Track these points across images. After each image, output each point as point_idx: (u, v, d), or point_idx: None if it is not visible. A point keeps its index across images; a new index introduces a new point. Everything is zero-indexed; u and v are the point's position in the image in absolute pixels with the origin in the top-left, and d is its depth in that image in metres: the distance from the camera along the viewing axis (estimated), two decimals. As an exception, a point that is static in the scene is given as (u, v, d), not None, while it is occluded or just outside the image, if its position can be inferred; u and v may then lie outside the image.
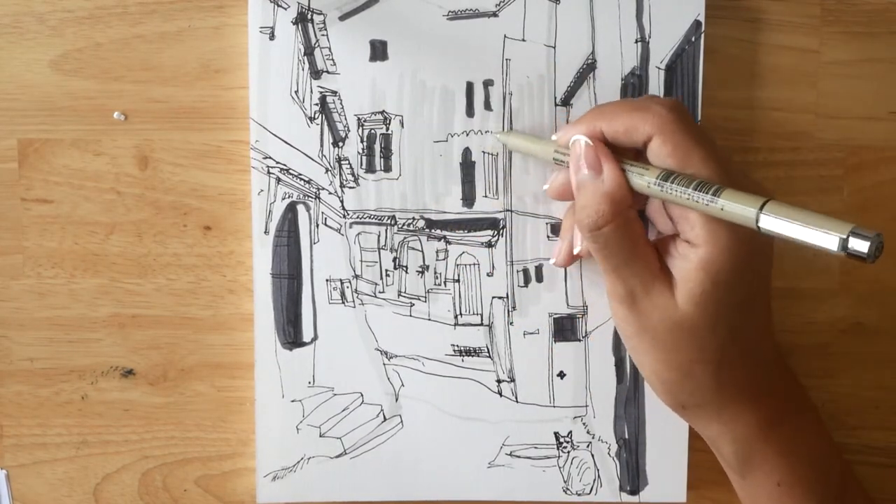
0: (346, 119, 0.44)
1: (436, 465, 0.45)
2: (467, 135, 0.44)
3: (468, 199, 0.44)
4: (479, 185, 0.44)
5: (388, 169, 0.44)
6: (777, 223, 0.32)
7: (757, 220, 0.33)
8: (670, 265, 0.38)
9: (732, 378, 0.38)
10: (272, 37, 0.43)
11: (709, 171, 0.36)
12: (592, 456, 0.45)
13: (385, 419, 0.45)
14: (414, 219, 0.44)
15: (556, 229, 0.44)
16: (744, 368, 0.39)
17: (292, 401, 0.45)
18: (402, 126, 0.44)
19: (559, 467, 0.45)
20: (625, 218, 0.37)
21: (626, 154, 0.38)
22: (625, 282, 0.38)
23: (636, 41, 0.43)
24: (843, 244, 0.30)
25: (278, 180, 0.44)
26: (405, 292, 0.45)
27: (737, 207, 0.34)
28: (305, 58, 0.43)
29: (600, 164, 0.38)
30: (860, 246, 0.30)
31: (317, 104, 0.43)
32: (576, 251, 0.42)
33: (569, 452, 0.45)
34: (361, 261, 0.44)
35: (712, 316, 0.37)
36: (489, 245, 0.44)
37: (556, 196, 0.42)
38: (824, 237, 0.31)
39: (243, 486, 0.47)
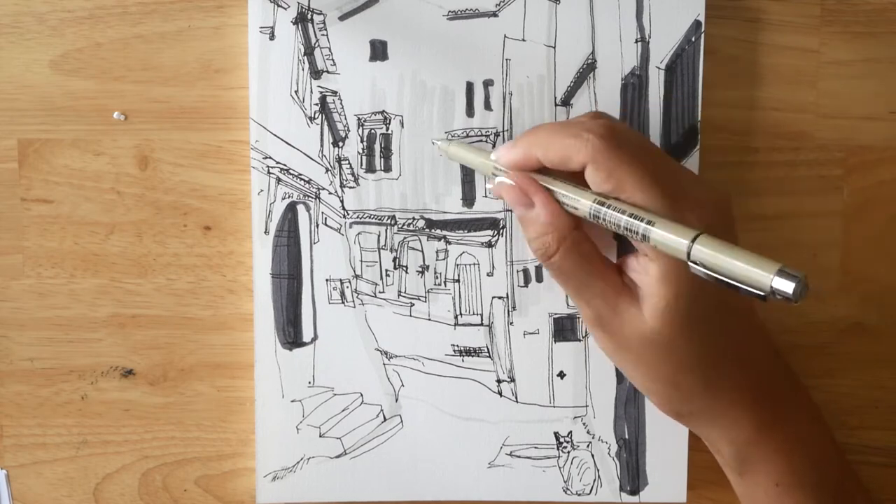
0: (346, 119, 0.44)
1: (436, 465, 0.45)
2: (467, 135, 0.44)
3: (468, 199, 0.44)
4: (479, 185, 0.44)
5: (388, 169, 0.44)
6: (707, 258, 0.32)
7: (688, 256, 0.33)
8: (635, 280, 0.37)
9: (725, 383, 0.38)
10: (272, 37, 0.43)
11: (644, 196, 0.35)
12: (592, 456, 0.45)
13: (385, 419, 0.45)
14: (414, 219, 0.44)
15: (556, 229, 0.44)
16: (736, 372, 0.38)
17: (292, 401, 0.45)
18: (402, 126, 0.44)
19: (559, 467, 0.45)
20: (572, 241, 0.37)
21: (566, 176, 0.38)
22: (589, 304, 0.38)
23: (636, 41, 0.43)
24: (772, 287, 0.30)
25: (278, 180, 0.44)
26: (405, 292, 0.45)
27: (666, 242, 0.34)
28: (305, 58, 0.43)
29: (531, 199, 0.38)
30: (784, 286, 0.30)
31: (317, 104, 0.43)
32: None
33: (569, 452, 0.45)
34: (361, 261, 0.44)
35: (683, 327, 0.36)
36: (489, 245, 0.44)
37: (498, 196, 0.41)
38: (752, 274, 0.31)
39: (243, 486, 0.47)
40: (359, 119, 0.44)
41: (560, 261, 0.37)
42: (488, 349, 0.45)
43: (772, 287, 0.30)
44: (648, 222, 0.34)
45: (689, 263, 0.33)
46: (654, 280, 0.36)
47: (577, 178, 0.37)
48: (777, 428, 0.39)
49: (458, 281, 0.45)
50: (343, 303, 0.45)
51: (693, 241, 0.33)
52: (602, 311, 0.38)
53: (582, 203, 0.37)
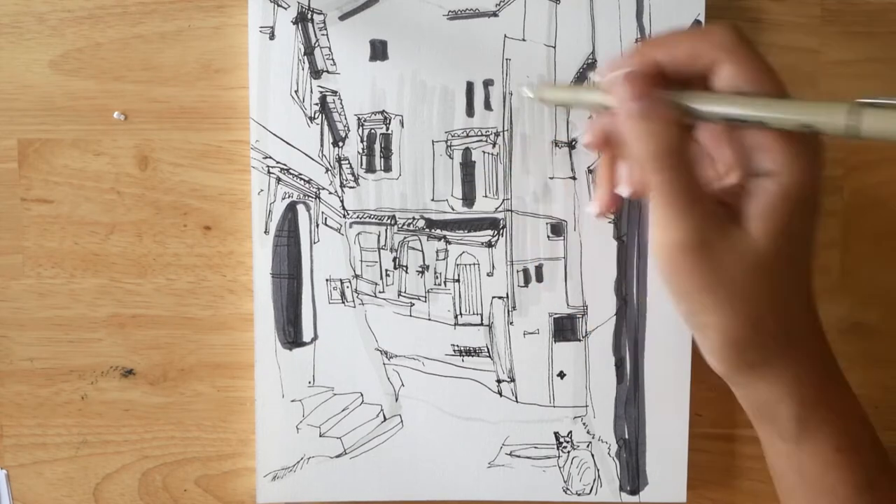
0: (346, 119, 0.44)
1: (436, 465, 0.45)
2: (467, 135, 0.44)
3: (468, 199, 0.44)
4: (479, 185, 0.44)
5: (388, 169, 0.44)
6: (874, 115, 0.30)
7: (850, 121, 0.30)
8: (739, 206, 0.35)
9: (798, 330, 0.36)
10: (272, 37, 0.43)
11: (782, 92, 0.34)
12: (592, 456, 0.45)
13: (385, 419, 0.45)
14: (414, 219, 0.44)
15: (556, 229, 0.44)
16: (806, 320, 0.37)
17: (292, 401, 0.45)
18: (402, 126, 0.44)
19: (559, 467, 0.45)
20: (688, 156, 0.35)
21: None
22: (696, 225, 0.34)
23: (636, 41, 0.43)
24: None
25: (278, 180, 0.44)
26: (405, 292, 0.45)
27: (825, 110, 0.31)
28: (305, 58, 0.43)
29: (651, 100, 0.34)
30: None
31: (317, 104, 0.43)
32: (625, 193, 0.39)
33: (569, 452, 0.45)
34: (361, 261, 0.44)
35: (792, 251, 0.34)
36: (489, 245, 0.44)
37: (597, 144, 0.38)
38: None
39: (243, 486, 0.47)
40: (359, 119, 0.44)
41: (678, 165, 0.34)
42: (488, 349, 0.45)
43: None
44: (806, 124, 0.32)
45: (853, 134, 0.31)
46: (776, 196, 0.34)
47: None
48: (837, 389, 0.37)
49: (458, 281, 0.45)
50: (343, 303, 0.45)
51: (849, 110, 0.31)
52: (708, 232, 0.34)
53: (716, 97, 0.34)
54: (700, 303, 0.35)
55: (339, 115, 0.44)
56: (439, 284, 0.45)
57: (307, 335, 0.45)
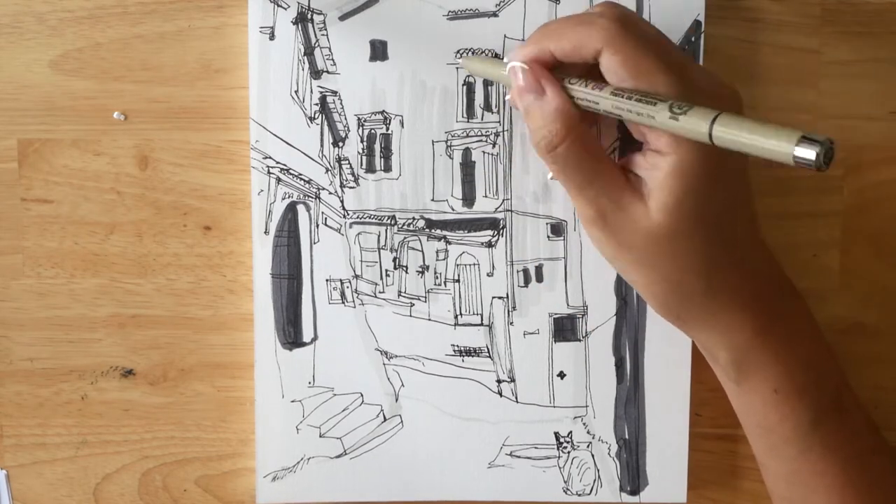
0: (346, 119, 0.44)
1: (436, 465, 0.45)
2: (467, 135, 0.44)
3: (468, 199, 0.44)
4: (479, 185, 0.44)
5: (388, 169, 0.44)
6: (729, 136, 0.31)
7: (710, 135, 0.32)
8: (642, 176, 0.37)
9: (724, 284, 0.38)
10: (272, 37, 0.43)
11: (663, 82, 0.35)
12: (592, 456, 0.45)
13: (385, 419, 0.45)
14: (414, 219, 0.44)
15: (556, 229, 0.44)
16: (735, 274, 0.38)
17: (292, 401, 0.45)
18: (402, 126, 0.44)
19: (559, 467, 0.45)
20: (579, 134, 0.37)
21: (576, 71, 0.38)
22: (593, 201, 0.37)
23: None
24: (794, 156, 0.29)
25: (278, 180, 0.44)
26: (405, 292, 0.45)
27: (688, 123, 0.33)
28: (305, 58, 0.43)
29: (541, 86, 0.37)
30: (807, 154, 0.29)
31: (317, 104, 0.43)
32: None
33: (569, 452, 0.45)
34: (361, 261, 0.44)
35: (691, 223, 0.36)
36: (489, 245, 0.44)
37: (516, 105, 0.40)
38: (775, 146, 0.30)
39: (243, 486, 0.47)
40: (359, 119, 0.44)
41: (566, 151, 0.37)
42: (488, 349, 0.45)
43: (794, 156, 0.29)
44: (671, 110, 0.34)
45: (713, 142, 0.32)
46: (665, 174, 0.36)
47: (590, 75, 0.37)
48: (775, 332, 0.39)
49: (458, 281, 0.45)
50: (343, 303, 0.45)
51: (713, 121, 0.32)
52: (606, 207, 0.37)
53: (601, 94, 0.36)
54: (618, 265, 0.39)
55: (339, 115, 0.44)
56: (439, 284, 0.45)
57: (307, 335, 0.45)
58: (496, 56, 0.43)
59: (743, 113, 0.37)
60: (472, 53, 0.43)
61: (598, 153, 0.37)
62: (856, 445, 0.40)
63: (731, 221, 0.38)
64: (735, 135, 0.32)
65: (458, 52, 0.43)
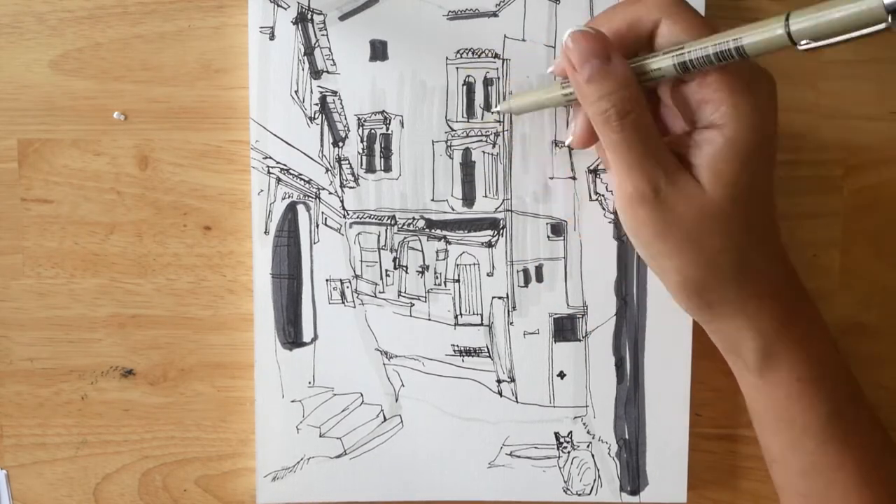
0: (346, 119, 0.44)
1: (436, 465, 0.45)
2: (467, 135, 0.44)
3: (468, 199, 0.44)
4: (479, 185, 0.44)
5: (388, 169, 0.44)
6: (809, 23, 0.30)
7: (788, 33, 0.31)
8: (689, 157, 0.37)
9: (754, 268, 0.38)
10: (272, 37, 0.43)
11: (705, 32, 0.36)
12: (593, 456, 0.45)
13: (385, 419, 0.45)
14: (414, 219, 0.44)
15: (556, 229, 0.44)
16: (764, 259, 0.39)
17: (292, 401, 0.45)
18: (402, 126, 0.44)
19: (559, 467, 0.45)
20: (643, 104, 0.37)
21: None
22: (649, 175, 0.37)
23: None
24: (885, 5, 0.28)
25: (278, 180, 0.44)
26: (405, 292, 0.45)
27: (762, 35, 0.32)
28: (305, 58, 0.43)
29: (607, 51, 0.37)
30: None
31: (317, 104, 0.43)
32: (549, 177, 0.43)
33: (569, 452, 0.45)
34: (361, 261, 0.44)
35: (740, 198, 0.37)
36: (489, 245, 0.44)
37: (581, 143, 0.40)
38: (863, 6, 0.28)
39: (243, 486, 0.47)
40: (359, 119, 0.44)
41: (637, 120, 0.37)
42: (488, 349, 0.45)
43: (885, 5, 0.28)
44: (735, 38, 0.34)
45: (798, 45, 0.31)
46: (722, 146, 0.36)
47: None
48: (798, 322, 0.39)
49: (458, 281, 0.45)
50: (343, 303, 0.45)
51: (787, 20, 0.31)
52: (659, 181, 0.37)
53: (662, 58, 0.36)
54: (657, 248, 0.38)
55: (339, 115, 0.44)
56: (439, 284, 0.45)
57: (307, 335, 0.45)
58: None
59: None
60: (504, 99, 0.43)
61: (654, 129, 0.37)
62: (870, 439, 0.40)
63: (767, 203, 0.38)
64: (815, 20, 0.30)
65: (458, 51, 0.43)
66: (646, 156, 0.37)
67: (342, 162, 0.44)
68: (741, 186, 0.37)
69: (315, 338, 0.45)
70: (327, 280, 0.44)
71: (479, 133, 0.44)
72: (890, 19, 0.28)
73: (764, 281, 0.39)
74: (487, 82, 0.43)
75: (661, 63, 0.36)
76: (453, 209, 0.44)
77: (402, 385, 0.45)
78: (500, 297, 0.45)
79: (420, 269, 0.45)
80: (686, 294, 0.39)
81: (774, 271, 0.39)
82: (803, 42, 0.31)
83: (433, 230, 0.44)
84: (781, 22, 0.32)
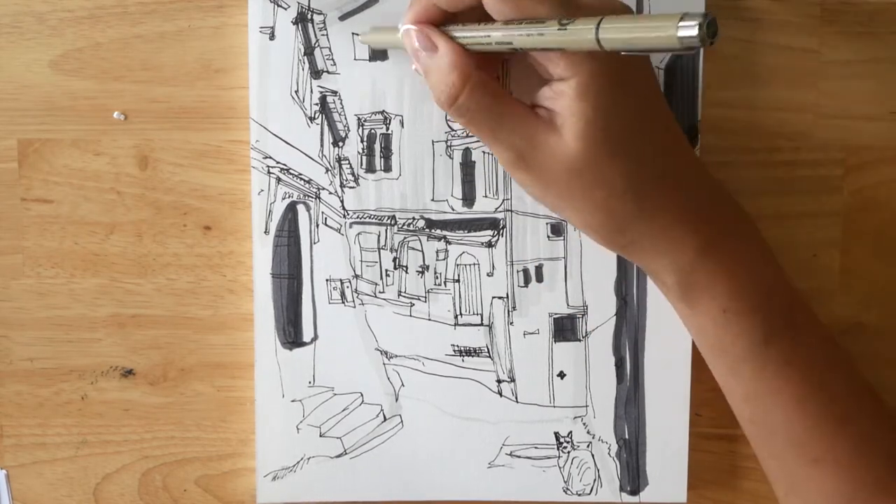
0: (346, 119, 0.44)
1: (436, 465, 0.45)
2: (467, 135, 0.44)
3: (468, 199, 0.44)
4: (479, 185, 0.44)
5: (388, 169, 0.44)
6: (615, 35, 0.31)
7: (598, 40, 0.32)
8: (551, 108, 0.37)
9: (656, 205, 0.38)
10: (272, 37, 0.43)
11: (546, 8, 0.35)
12: (592, 456, 0.45)
13: (385, 419, 0.45)
14: (414, 219, 0.44)
15: (556, 229, 0.44)
16: (665, 192, 0.38)
17: (292, 401, 0.45)
18: (402, 126, 0.44)
19: (559, 467, 0.45)
20: (477, 81, 0.37)
21: (472, 19, 0.38)
22: (507, 143, 0.37)
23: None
24: (678, 37, 0.29)
25: (278, 180, 0.44)
26: (405, 292, 0.45)
27: (574, 34, 0.33)
28: (305, 58, 0.43)
29: (433, 42, 0.37)
30: (689, 31, 0.29)
31: (317, 104, 0.43)
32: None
33: (569, 452, 0.45)
34: (361, 261, 0.44)
35: (605, 144, 0.36)
36: (489, 245, 0.44)
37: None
38: (659, 32, 0.30)
39: (243, 486, 0.47)
40: (359, 119, 0.44)
41: (467, 100, 0.37)
42: (488, 349, 0.45)
43: (678, 37, 0.29)
44: (559, 22, 0.33)
45: (603, 48, 0.32)
46: (571, 99, 0.36)
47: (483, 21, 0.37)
48: (720, 250, 0.39)
49: (458, 281, 0.45)
50: (343, 303, 0.45)
51: (598, 25, 0.32)
52: (521, 146, 0.37)
53: (491, 33, 0.36)
54: (550, 203, 0.39)
55: (339, 115, 0.44)
56: (439, 284, 0.45)
57: (307, 335, 0.45)
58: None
59: None
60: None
61: (502, 96, 0.37)
62: (812, 360, 0.40)
63: (649, 138, 0.38)
64: (620, 32, 0.31)
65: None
66: (496, 126, 0.37)
67: (342, 162, 0.44)
68: (603, 133, 0.36)
69: (315, 338, 0.45)
70: (327, 280, 0.44)
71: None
72: (680, 43, 0.30)
73: (671, 214, 0.38)
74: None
75: (482, 40, 0.36)
76: (453, 209, 0.44)
77: (402, 385, 0.45)
78: (500, 297, 0.45)
79: (420, 269, 0.45)
80: (597, 240, 0.39)
81: (685, 202, 0.38)
82: (606, 45, 0.32)
83: (433, 230, 0.44)
84: (594, 25, 0.32)
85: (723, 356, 0.40)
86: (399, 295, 0.45)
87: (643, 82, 0.38)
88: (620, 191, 0.37)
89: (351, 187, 0.44)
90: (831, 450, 0.39)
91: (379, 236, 0.44)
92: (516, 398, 0.45)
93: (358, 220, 0.44)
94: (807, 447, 0.39)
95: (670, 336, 0.44)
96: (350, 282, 0.44)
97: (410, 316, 0.45)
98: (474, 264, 0.44)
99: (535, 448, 0.45)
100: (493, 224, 0.44)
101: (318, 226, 0.44)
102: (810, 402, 0.39)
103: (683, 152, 0.39)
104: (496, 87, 0.37)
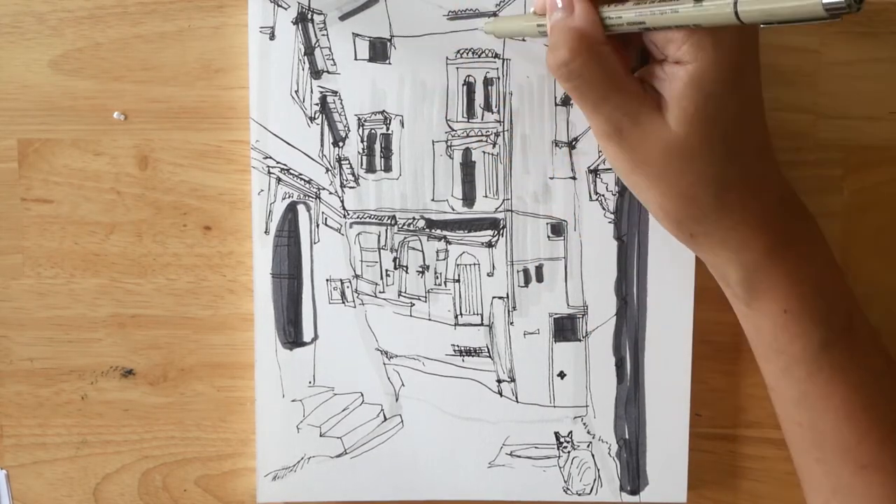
0: (346, 119, 0.44)
1: (436, 465, 0.45)
2: (467, 135, 0.44)
3: (468, 199, 0.44)
4: (479, 185, 0.44)
5: (388, 169, 0.44)
6: (754, 8, 0.31)
7: (735, 13, 0.32)
8: (659, 89, 0.37)
9: (736, 200, 0.38)
10: (272, 37, 0.43)
11: None
12: (593, 456, 0.45)
13: (385, 419, 0.45)
14: (414, 219, 0.44)
15: (556, 229, 0.44)
16: (746, 190, 0.38)
17: (292, 401, 0.45)
18: (402, 126, 0.44)
19: (559, 467, 0.45)
20: (597, 52, 0.37)
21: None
22: (608, 117, 0.37)
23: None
24: (823, 3, 0.29)
25: (278, 180, 0.44)
26: (405, 292, 0.45)
27: (712, 8, 0.32)
28: (305, 58, 0.43)
29: (573, 3, 0.37)
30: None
31: (317, 104, 0.43)
32: (549, 176, 0.43)
33: (569, 452, 0.45)
34: (361, 261, 0.44)
35: (707, 133, 0.36)
36: (489, 245, 0.44)
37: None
38: (803, 1, 0.29)
39: (243, 486, 0.47)
40: (359, 119, 0.44)
41: (581, 67, 0.36)
42: (488, 349, 0.45)
43: (824, 3, 0.29)
44: (690, 9, 0.33)
45: (741, 16, 0.32)
46: (684, 83, 0.36)
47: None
48: (786, 253, 0.39)
49: (458, 281, 0.45)
50: (343, 303, 0.45)
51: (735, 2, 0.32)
52: (623, 122, 0.37)
53: (623, 14, 0.36)
54: (633, 181, 0.39)
55: (340, 115, 0.44)
56: (439, 284, 0.45)
57: (307, 335, 0.45)
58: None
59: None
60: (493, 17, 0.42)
61: (615, 69, 0.37)
62: (866, 367, 0.40)
63: (745, 135, 0.38)
64: (760, 2, 0.31)
65: (458, 51, 0.43)
66: (601, 99, 0.37)
67: (342, 162, 0.44)
68: (708, 123, 0.36)
69: (315, 338, 0.45)
70: (327, 280, 0.44)
71: (480, 133, 0.44)
72: (825, 10, 0.29)
73: (749, 211, 0.38)
74: (487, 82, 0.43)
75: (616, 17, 0.36)
76: (453, 209, 0.44)
77: (403, 385, 0.45)
78: (500, 297, 0.45)
79: (420, 269, 0.45)
80: (667, 225, 0.39)
81: (763, 200, 0.39)
82: (745, 17, 0.32)
83: (433, 230, 0.44)
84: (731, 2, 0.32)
85: (778, 357, 0.40)
86: (399, 295, 0.45)
87: (752, 80, 0.38)
88: (708, 181, 0.37)
89: (351, 187, 0.44)
90: (880, 457, 0.39)
91: (379, 236, 0.44)
92: (516, 398, 0.45)
93: (358, 220, 0.44)
94: (855, 453, 0.39)
95: (670, 336, 0.44)
96: (350, 282, 0.44)
97: (410, 316, 0.45)
98: (474, 264, 0.44)
99: (536, 448, 0.45)
100: (494, 224, 0.44)
101: (318, 226, 0.44)
102: (862, 408, 0.39)
103: (768, 155, 0.40)
104: (612, 61, 0.37)
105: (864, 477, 0.39)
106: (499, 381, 0.45)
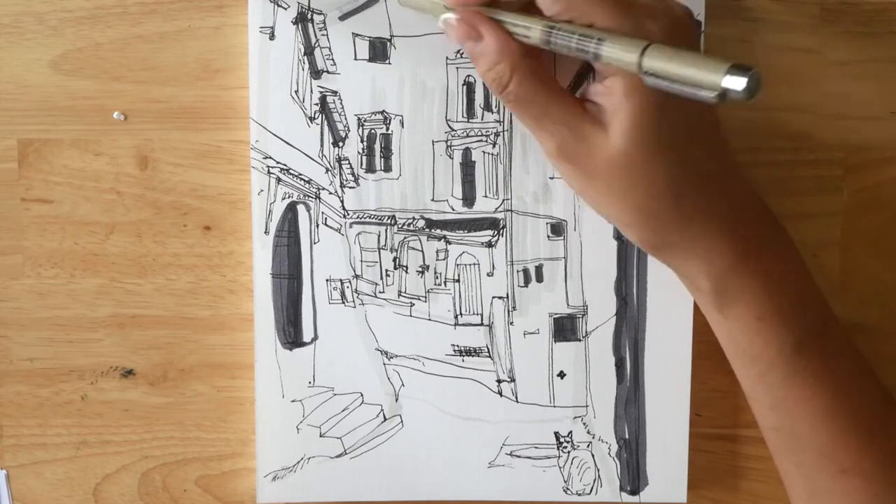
0: (346, 119, 0.44)
1: (436, 465, 0.45)
2: (467, 135, 0.44)
3: (468, 199, 0.44)
4: (479, 185, 0.44)
5: (388, 169, 0.44)
6: (659, 66, 0.31)
7: (640, 67, 0.32)
8: (600, 103, 0.37)
9: (697, 209, 0.37)
10: (272, 37, 0.43)
11: (599, 13, 0.35)
12: (593, 456, 0.45)
13: (385, 419, 0.45)
14: (414, 219, 0.44)
15: (556, 229, 0.44)
16: (707, 199, 0.38)
17: (292, 401, 0.45)
18: (402, 126, 0.44)
19: (559, 467, 0.45)
20: (526, 67, 0.36)
21: (516, 7, 0.37)
22: (551, 133, 0.37)
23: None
24: (721, 87, 0.29)
25: (278, 180, 0.44)
26: (405, 292, 0.45)
27: (618, 54, 0.33)
28: (305, 58, 0.43)
29: (479, 31, 0.37)
30: (735, 84, 0.29)
31: (317, 104, 0.43)
32: (549, 177, 0.43)
33: (569, 452, 0.45)
34: (361, 261, 0.44)
35: (651, 146, 0.36)
36: (489, 245, 0.44)
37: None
38: (705, 75, 0.29)
39: (243, 486, 0.47)
40: (359, 119, 0.44)
41: (516, 88, 0.36)
42: (488, 349, 0.45)
43: (723, 86, 0.29)
44: (599, 39, 0.33)
45: (644, 76, 0.32)
46: (620, 96, 0.35)
47: (528, 9, 0.37)
48: (757, 258, 0.39)
49: (458, 281, 0.45)
50: (343, 303, 0.45)
51: (643, 52, 0.32)
52: (566, 138, 0.37)
53: (532, 29, 0.36)
54: (589, 198, 0.39)
55: (339, 115, 0.44)
56: (439, 284, 0.45)
57: (307, 335, 0.45)
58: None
59: (691, 29, 0.37)
60: None
61: (552, 84, 0.37)
62: (841, 370, 0.40)
63: (694, 141, 0.37)
64: (664, 65, 0.31)
65: (458, 51, 0.43)
66: (542, 114, 0.37)
67: (342, 162, 0.44)
68: (649, 133, 0.36)
69: (315, 338, 0.45)
70: (327, 280, 0.44)
71: (479, 133, 0.44)
72: (723, 93, 0.29)
73: (710, 220, 0.38)
74: (487, 82, 0.43)
75: (532, 34, 0.36)
76: (453, 209, 0.44)
77: (403, 385, 0.45)
78: (500, 297, 0.45)
79: (420, 269, 0.45)
80: (631, 238, 0.39)
81: (727, 207, 0.38)
82: (650, 78, 0.32)
83: (433, 230, 0.44)
84: (638, 51, 0.32)
85: (752, 363, 0.40)
86: (399, 295, 0.45)
87: None
88: (661, 192, 0.37)
89: (351, 187, 0.44)
90: (859, 462, 0.39)
91: (379, 236, 0.44)
92: (516, 398, 0.45)
93: (358, 220, 0.44)
94: (833, 458, 0.39)
95: (670, 336, 0.44)
96: (350, 282, 0.44)
97: (410, 316, 0.45)
98: (474, 264, 0.44)
99: (536, 448, 0.45)
100: (493, 224, 0.44)
101: (318, 226, 0.44)
102: (838, 412, 0.39)
103: (726, 160, 0.39)
104: (545, 76, 0.37)
105: (844, 481, 0.39)
106: (499, 381, 0.45)
